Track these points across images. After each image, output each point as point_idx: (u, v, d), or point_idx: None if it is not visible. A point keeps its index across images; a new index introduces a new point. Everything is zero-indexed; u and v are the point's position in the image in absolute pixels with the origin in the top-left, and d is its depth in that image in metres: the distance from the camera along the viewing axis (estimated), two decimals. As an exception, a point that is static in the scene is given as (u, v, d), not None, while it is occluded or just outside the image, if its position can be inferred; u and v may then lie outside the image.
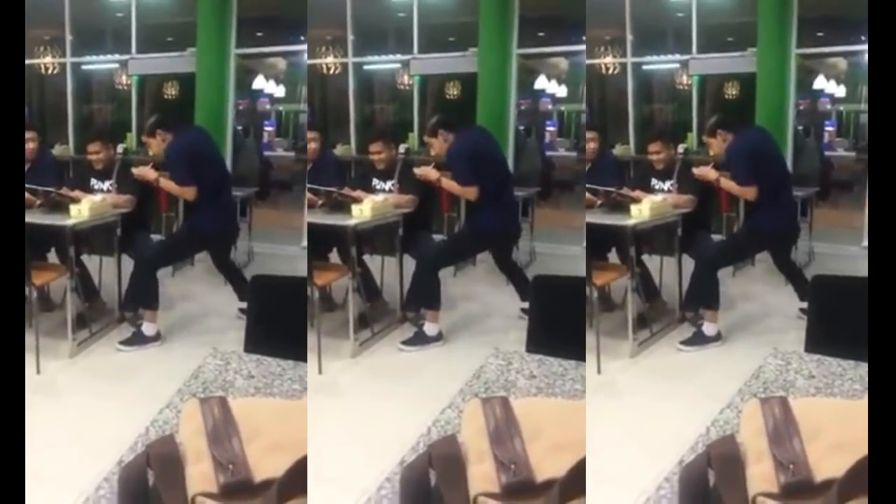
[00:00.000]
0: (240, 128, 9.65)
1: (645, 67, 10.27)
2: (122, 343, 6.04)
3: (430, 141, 6.33)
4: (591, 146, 7.08)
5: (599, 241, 6.20)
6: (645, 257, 6.41)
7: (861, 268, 6.49)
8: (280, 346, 5.52)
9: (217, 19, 9.37)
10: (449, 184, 6.24)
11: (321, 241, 6.34)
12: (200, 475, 3.58)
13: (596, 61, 10.08)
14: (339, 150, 9.70)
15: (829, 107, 9.29)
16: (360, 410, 5.19)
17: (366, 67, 10.42)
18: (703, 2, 9.69)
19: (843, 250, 7.97)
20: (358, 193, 6.40)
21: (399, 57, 10.26)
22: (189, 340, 6.12)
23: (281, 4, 9.30)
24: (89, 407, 5.19)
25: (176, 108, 9.83)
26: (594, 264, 5.99)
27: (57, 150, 9.78)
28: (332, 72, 10.45)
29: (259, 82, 9.68)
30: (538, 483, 3.56)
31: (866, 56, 8.51)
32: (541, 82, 9.71)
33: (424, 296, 6.15)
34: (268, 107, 9.71)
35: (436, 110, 9.71)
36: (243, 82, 9.62)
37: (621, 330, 5.96)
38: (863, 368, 5.23)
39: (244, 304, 6.18)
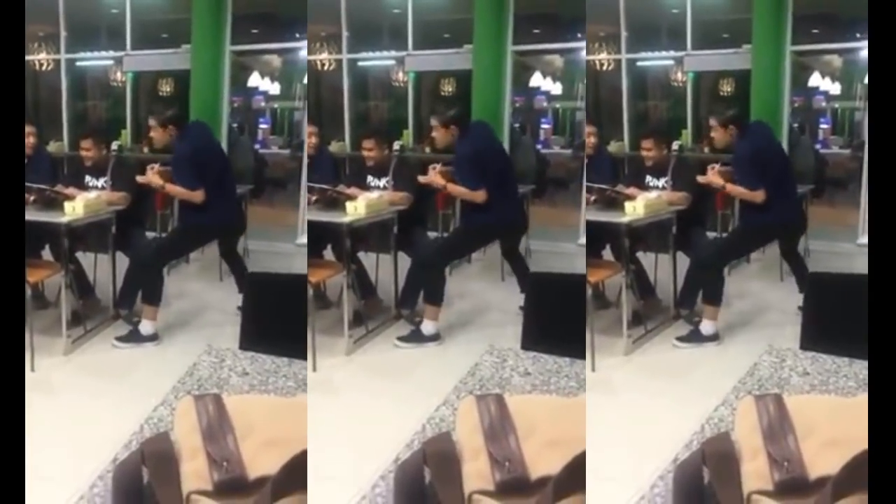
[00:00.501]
0: (234, 125, 9.64)
1: (640, 64, 10.27)
2: (118, 339, 6.03)
3: (439, 130, 6.22)
4: (591, 140, 7.09)
5: (594, 239, 6.21)
6: (639, 254, 6.42)
7: (856, 265, 6.51)
8: (275, 343, 5.53)
9: (212, 16, 9.35)
10: (457, 189, 6.17)
11: (316, 239, 6.34)
12: (195, 472, 3.58)
13: (590, 58, 10.07)
14: (333, 147, 9.69)
15: (823, 104, 9.28)
16: (355, 408, 5.19)
17: (360, 64, 10.40)
18: (698, -2, 9.71)
19: (838, 247, 7.97)
20: (352, 190, 6.40)
21: (394, 53, 10.25)
22: (184, 338, 6.11)
23: (276, 1, 9.29)
24: (84, 405, 5.18)
25: (171, 105, 9.82)
26: (588, 261, 5.99)
27: (52, 147, 9.75)
28: (326, 68, 10.43)
29: (254, 79, 9.66)
30: (532, 480, 3.56)
31: (861, 53, 8.54)
32: (536, 79, 9.69)
33: (429, 291, 6.12)
34: (263, 104, 9.69)
35: (431, 107, 9.69)
36: (238, 79, 9.59)
37: (616, 327, 5.96)
38: (857, 365, 5.24)
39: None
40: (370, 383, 5.57)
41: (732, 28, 9.60)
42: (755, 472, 3.51)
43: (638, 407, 5.15)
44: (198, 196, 6.08)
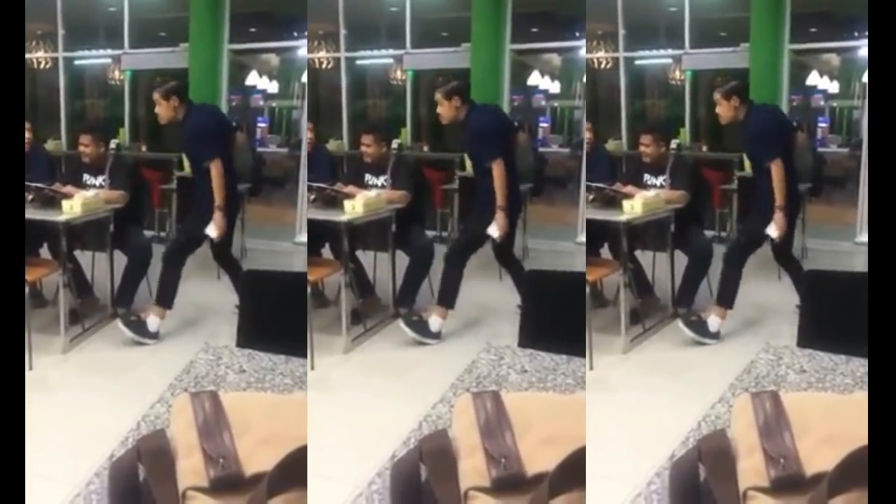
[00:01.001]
0: (233, 124, 9.64)
1: (637, 62, 10.27)
2: (122, 321, 6.03)
3: (443, 104, 6.11)
4: (589, 136, 7.10)
5: (592, 237, 6.21)
6: (638, 253, 6.42)
7: (854, 263, 6.52)
8: (273, 341, 5.53)
9: (210, 14, 9.36)
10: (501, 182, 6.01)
11: (314, 237, 6.34)
12: (191, 469, 3.57)
13: (588, 56, 10.07)
14: (331, 146, 9.69)
15: (822, 103, 9.29)
16: (352, 406, 5.19)
17: (358, 62, 10.41)
18: (696, -3, 9.72)
19: (835, 246, 7.98)
20: (350, 189, 6.40)
21: (392, 52, 10.25)
22: (181, 336, 6.11)
23: (275, 0, 9.29)
24: (81, 402, 5.19)
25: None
26: (587, 259, 5.99)
27: (49, 146, 9.77)
28: (324, 67, 10.44)
29: (252, 78, 9.66)
30: (529, 477, 3.55)
31: (860, 52, 8.54)
32: (534, 78, 9.70)
33: (448, 292, 6.10)
34: (261, 103, 9.69)
35: (429, 106, 9.70)
36: (236, 78, 9.60)
37: (614, 325, 5.96)
38: (854, 363, 5.25)
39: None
40: (368, 381, 5.57)
41: (730, 26, 9.61)
42: (751, 469, 3.50)
43: (636, 405, 5.16)
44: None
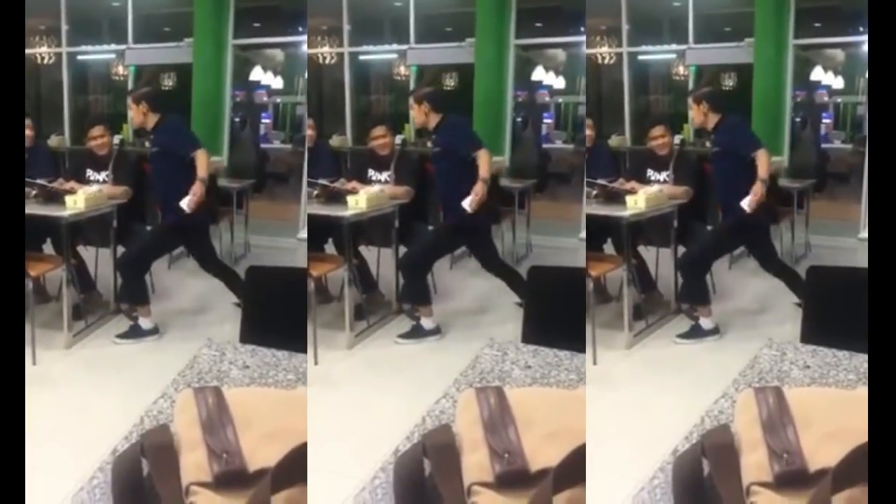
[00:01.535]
0: (237, 119, 9.64)
1: (641, 58, 10.27)
2: (119, 336, 6.04)
3: (413, 108, 6.20)
4: (589, 133, 7.09)
5: (595, 233, 6.20)
6: (641, 249, 6.41)
7: (857, 259, 6.51)
8: (276, 336, 5.52)
9: (214, 10, 9.36)
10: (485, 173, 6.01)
11: (317, 233, 6.34)
12: (195, 464, 3.57)
13: (592, 51, 10.06)
14: (335, 141, 9.70)
15: (826, 98, 9.28)
16: (356, 401, 5.20)
17: (362, 58, 10.41)
18: (700, -9, 9.71)
19: (839, 242, 7.98)
20: (354, 185, 6.39)
21: (395, 47, 10.25)
22: (184, 331, 6.12)
23: (279, -5, 9.32)
24: (84, 398, 5.19)
25: (173, 98, 9.82)
26: (590, 255, 5.98)
27: (53, 141, 9.78)
28: (327, 62, 10.43)
29: (256, 73, 9.67)
30: (532, 472, 3.55)
31: (864, 47, 8.53)
32: (538, 73, 9.69)
33: (416, 295, 6.15)
34: (265, 98, 9.70)
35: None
36: (240, 73, 9.60)
37: (617, 321, 5.97)
38: (858, 359, 5.23)
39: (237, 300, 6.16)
40: (371, 377, 5.58)
41: (734, 21, 9.60)
42: (755, 464, 3.50)
43: (639, 400, 5.16)
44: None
